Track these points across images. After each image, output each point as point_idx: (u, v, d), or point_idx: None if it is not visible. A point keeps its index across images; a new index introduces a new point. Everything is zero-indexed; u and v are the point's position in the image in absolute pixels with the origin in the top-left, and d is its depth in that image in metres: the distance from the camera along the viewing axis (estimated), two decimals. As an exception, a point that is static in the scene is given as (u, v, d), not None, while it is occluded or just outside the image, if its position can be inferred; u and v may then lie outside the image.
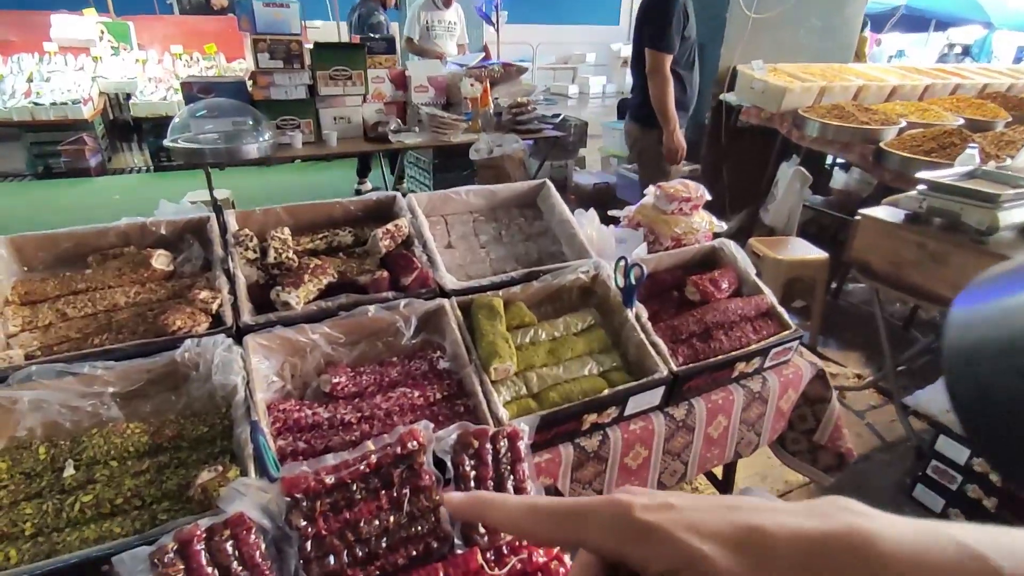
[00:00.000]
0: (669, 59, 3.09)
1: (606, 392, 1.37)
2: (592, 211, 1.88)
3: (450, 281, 1.49)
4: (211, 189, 3.67)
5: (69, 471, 1.06)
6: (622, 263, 1.56)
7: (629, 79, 3.68)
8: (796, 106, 3.86)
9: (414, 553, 1.09)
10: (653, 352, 1.47)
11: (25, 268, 1.35)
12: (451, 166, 5.05)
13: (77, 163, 6.29)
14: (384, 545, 1.07)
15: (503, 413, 1.28)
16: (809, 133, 3.67)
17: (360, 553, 1.05)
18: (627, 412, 1.44)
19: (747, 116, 4.22)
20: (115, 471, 1.07)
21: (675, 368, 1.46)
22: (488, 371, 1.33)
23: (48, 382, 1.09)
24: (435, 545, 1.12)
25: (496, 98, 4.36)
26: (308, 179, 6.66)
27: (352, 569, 1.03)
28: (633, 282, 1.52)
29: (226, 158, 3.35)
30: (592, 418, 1.39)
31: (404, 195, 1.66)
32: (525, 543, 1.15)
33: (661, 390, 1.45)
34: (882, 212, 2.47)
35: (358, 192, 6.12)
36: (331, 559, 1.02)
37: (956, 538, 0.29)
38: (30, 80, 6.53)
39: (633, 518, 0.34)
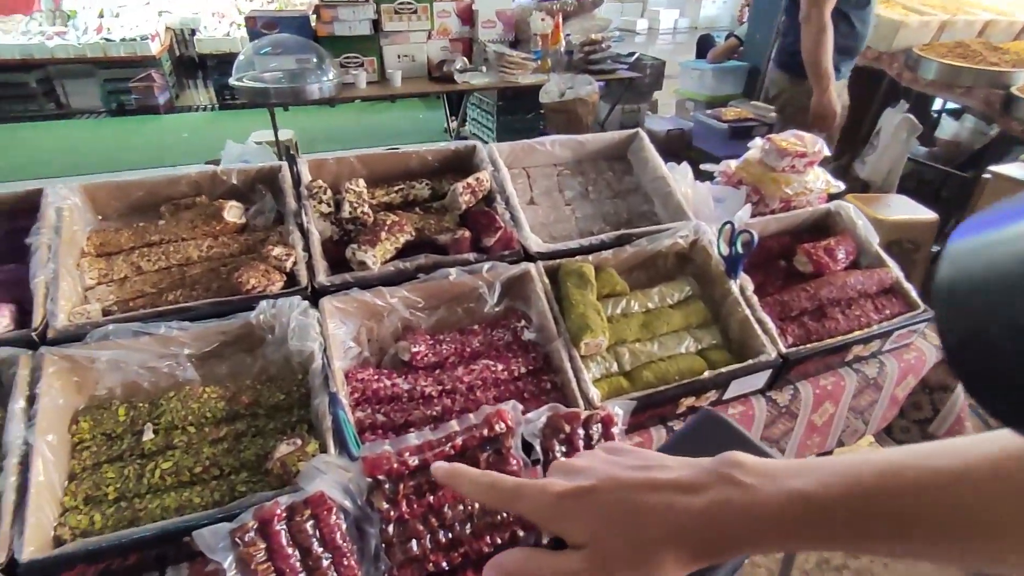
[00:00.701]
0: (831, 4, 2.47)
1: (707, 375, 1.23)
2: (686, 166, 1.68)
3: (535, 243, 1.36)
4: (275, 130, 3.62)
5: (148, 435, 1.02)
6: (727, 228, 1.38)
7: (705, 11, 3.29)
8: (910, 44, 3.41)
9: (499, 541, 1.01)
10: (760, 331, 1.31)
11: (99, 217, 1.31)
12: (516, 108, 4.81)
13: (147, 100, 6.39)
14: (468, 531, 1.00)
15: (594, 393, 1.17)
16: (924, 75, 3.24)
17: (443, 539, 0.98)
18: (726, 396, 1.31)
19: (849, 56, 3.77)
20: (193, 437, 1.03)
21: (784, 350, 1.30)
22: (578, 346, 1.21)
23: (125, 342, 1.04)
24: (521, 534, 1.04)
25: (568, 35, 4.06)
26: (370, 119, 6.55)
27: (435, 555, 0.97)
28: (740, 250, 1.35)
29: (290, 98, 3.27)
30: (689, 401, 1.26)
31: (485, 143, 1.52)
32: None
33: (767, 374, 1.30)
34: (1017, 170, 2.15)
35: (447, 131, 5.96)
36: (414, 544, 0.96)
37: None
38: (101, 16, 6.58)
39: (552, 503, 0.47)
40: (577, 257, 1.34)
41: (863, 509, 0.42)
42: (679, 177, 1.62)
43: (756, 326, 1.32)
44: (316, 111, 6.03)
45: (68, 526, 0.93)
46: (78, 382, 1.07)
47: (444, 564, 0.97)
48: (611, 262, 1.38)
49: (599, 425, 1.08)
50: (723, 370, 1.24)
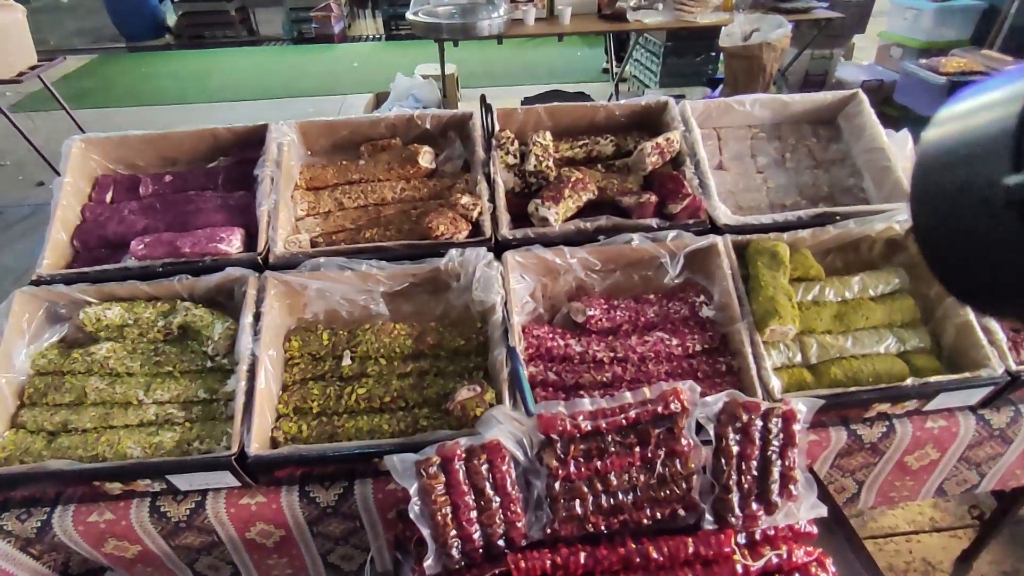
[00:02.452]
0: None
1: (912, 382, 1.10)
2: (906, 134, 1.45)
3: (724, 214, 1.26)
4: (442, 64, 3.69)
5: (347, 361, 1.13)
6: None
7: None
8: None
9: (659, 516, 1.01)
10: (984, 340, 1.13)
11: (308, 152, 1.42)
12: (684, 51, 4.45)
13: (324, 29, 6.79)
14: (630, 501, 1.00)
15: (775, 384, 1.09)
16: None
17: (606, 504, 1.00)
18: (928, 407, 1.16)
19: None
20: (384, 369, 1.13)
21: (1014, 368, 1.11)
22: (762, 331, 1.13)
23: (332, 274, 1.14)
24: (682, 514, 1.03)
25: (758, -33, 3.62)
26: (526, 55, 6.45)
27: (595, 517, 0.99)
28: (973, 245, 1.15)
29: (460, 33, 3.29)
30: (883, 407, 1.14)
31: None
32: (784, 534, 1.01)
33: (985, 390, 1.13)
34: None
35: (606, 71, 5.76)
36: (577, 504, 0.99)
37: None
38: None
39: None
40: (770, 234, 1.23)
41: None
42: (895, 148, 1.41)
43: (980, 334, 1.14)
44: (476, 46, 6.05)
45: (282, 431, 1.06)
46: (290, 304, 1.20)
47: (603, 527, 0.99)
48: (807, 242, 1.25)
49: (779, 420, 1.02)
50: (932, 380, 1.10)
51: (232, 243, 1.20)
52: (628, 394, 1.02)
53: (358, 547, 1.16)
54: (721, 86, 3.72)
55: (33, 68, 3.57)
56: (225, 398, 1.10)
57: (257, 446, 1.01)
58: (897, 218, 1.23)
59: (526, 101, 3.96)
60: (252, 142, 1.37)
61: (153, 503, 1.05)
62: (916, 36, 3.99)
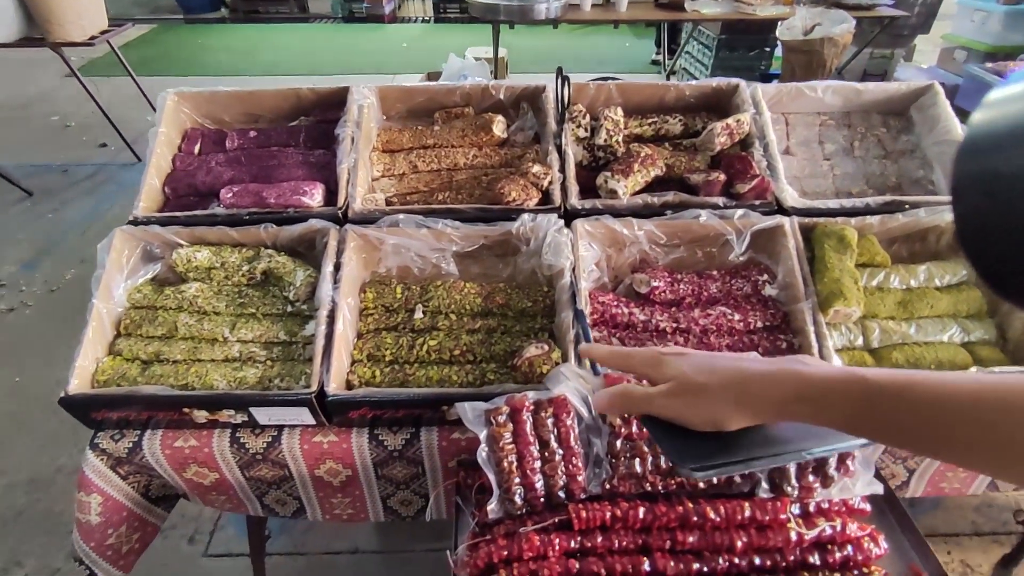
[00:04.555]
0: None
1: (974, 371, 1.10)
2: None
3: (791, 196, 1.28)
4: (496, 47, 3.72)
5: (418, 314, 1.18)
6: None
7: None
8: None
9: (714, 481, 1.04)
10: (1051, 335, 1.13)
11: (384, 116, 1.47)
12: (738, 44, 4.39)
13: (375, 9, 6.87)
14: (688, 466, 1.04)
15: (837, 363, 1.11)
16: None
17: (664, 465, 1.03)
18: (988, 398, 1.16)
19: None
20: (454, 324, 1.17)
21: (1084, 364, 1.11)
22: (827, 311, 1.14)
23: (409, 230, 1.19)
24: (737, 480, 1.06)
25: (822, -39, 3.55)
26: (573, 43, 6.44)
27: (653, 476, 1.02)
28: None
29: (517, 16, 3.31)
30: (943, 395, 1.14)
31: (748, 84, 1.42)
32: (837, 508, 1.03)
33: (1049, 385, 1.13)
34: None
35: (655, 63, 5.76)
36: (636, 462, 1.02)
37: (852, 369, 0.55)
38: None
39: (655, 357, 0.67)
40: (837, 219, 1.24)
41: (914, 401, 0.50)
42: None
43: (1048, 329, 1.14)
44: (525, 33, 6.06)
45: (356, 374, 1.12)
46: (365, 258, 1.25)
47: (660, 487, 1.03)
48: (874, 229, 1.26)
49: (842, 397, 1.03)
50: (997, 369, 1.10)
51: (314, 197, 1.26)
52: (692, 361, 1.05)
53: (417, 493, 1.22)
54: (776, 81, 3.66)
55: (103, 33, 3.70)
56: (303, 341, 1.16)
57: (335, 386, 1.07)
58: (969, 210, 1.23)
59: (576, 87, 3.97)
60: (332, 103, 1.42)
61: (233, 434, 1.12)
62: (983, 39, 3.87)
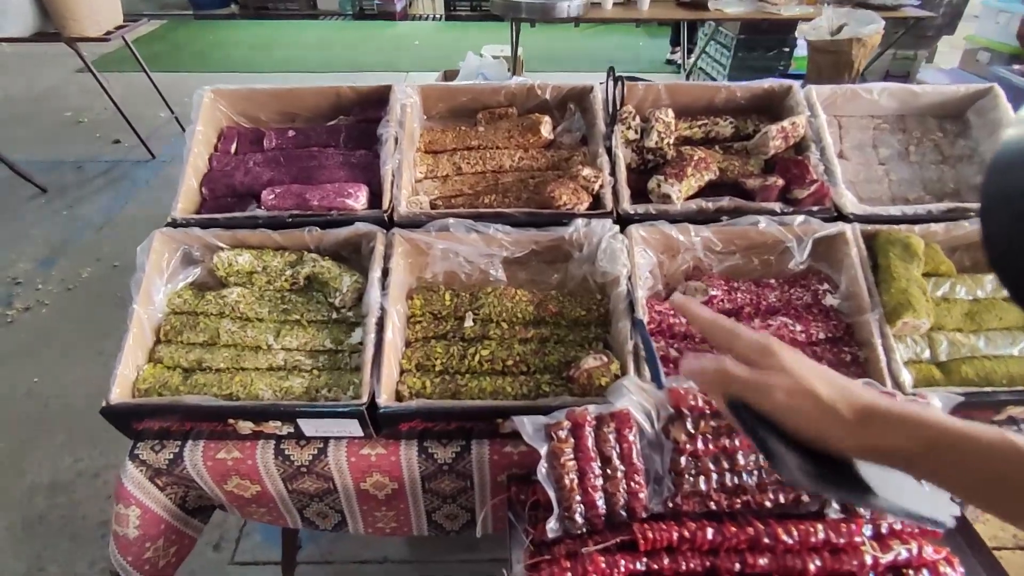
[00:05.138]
0: None
1: (1050, 387, 1.06)
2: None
3: (851, 203, 1.23)
4: (515, 45, 3.67)
5: (469, 323, 1.14)
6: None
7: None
8: None
9: (782, 500, 1.00)
10: None
11: (425, 116, 1.42)
12: (757, 44, 4.35)
13: (387, 6, 6.83)
14: (754, 483, 0.99)
15: (906, 378, 1.07)
16: None
17: (730, 483, 0.99)
18: (1061, 415, 1.12)
19: None
20: (506, 333, 1.13)
21: None
22: (894, 323, 1.10)
23: (459, 235, 1.15)
24: (806, 499, 1.01)
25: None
26: (584, 42, 6.38)
27: (718, 495, 0.98)
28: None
29: (539, 14, 3.27)
30: (1016, 411, 1.10)
31: (803, 86, 1.38)
32: (911, 531, 0.99)
33: None
34: None
35: (670, 62, 5.70)
36: (701, 480, 0.98)
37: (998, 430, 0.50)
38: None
39: (765, 345, 0.61)
40: (901, 226, 1.20)
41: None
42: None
43: (1123, 344, 1.09)
44: (538, 31, 6.01)
45: (406, 385, 1.08)
46: (411, 263, 1.21)
47: (725, 506, 0.98)
48: (938, 237, 1.21)
49: (916, 413, 0.99)
50: (1073, 386, 1.06)
51: (359, 199, 1.22)
52: (759, 375, 1.00)
53: (463, 507, 1.18)
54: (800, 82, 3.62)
55: (118, 28, 3.67)
56: (350, 349, 1.12)
57: (385, 398, 1.03)
58: (1038, 218, 1.18)
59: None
60: (373, 101, 1.38)
61: (278, 445, 1.08)
62: (1007, 41, 3.82)
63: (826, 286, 1.19)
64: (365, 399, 1.01)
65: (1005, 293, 1.18)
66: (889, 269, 1.14)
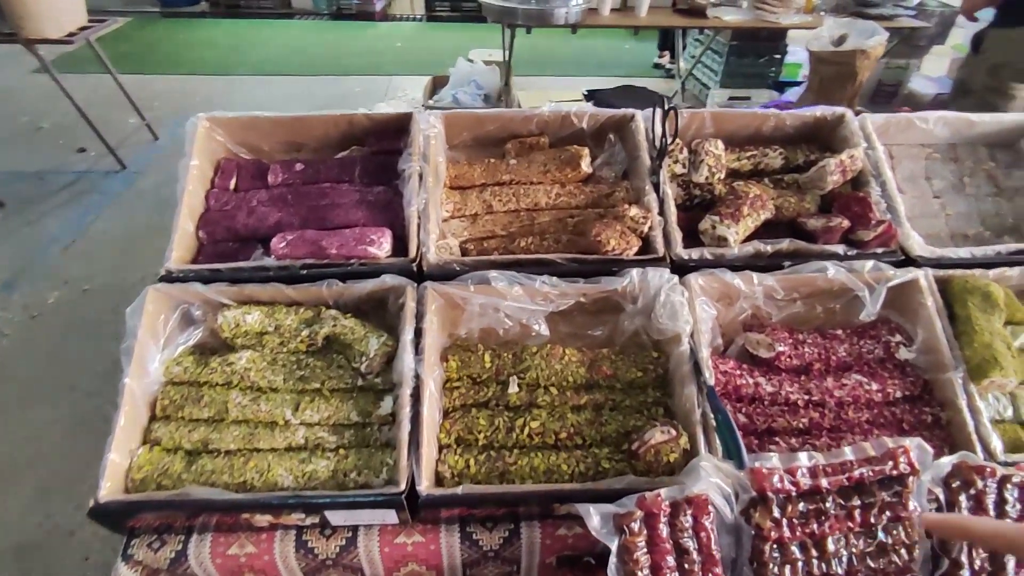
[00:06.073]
0: None
1: None
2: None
3: (918, 244, 1.14)
4: (510, 51, 3.55)
5: (514, 388, 1.01)
6: None
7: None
8: None
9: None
10: None
11: (446, 146, 1.29)
12: (748, 52, 4.29)
13: (366, 6, 6.61)
14: (843, 570, 0.89)
15: (997, 444, 0.98)
16: None
17: (818, 572, 0.89)
18: None
19: None
20: (556, 399, 1.01)
21: None
22: (979, 381, 1.01)
23: (501, 288, 1.02)
24: (898, 586, 0.92)
25: (844, -31, 3.46)
26: (570, 45, 6.26)
27: (804, 586, 0.88)
28: None
29: (535, 20, 3.13)
30: (1106, 475, 1.02)
31: (857, 113, 1.28)
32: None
33: None
34: None
35: (657, 66, 5.62)
36: (787, 569, 0.88)
37: None
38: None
39: None
40: (975, 271, 1.11)
41: None
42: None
43: None
44: (520, 34, 5.89)
45: (447, 464, 0.95)
46: (442, 320, 1.08)
47: (813, 599, 0.88)
48: (1012, 282, 1.13)
49: (1016, 488, 0.90)
50: None
51: (382, 246, 1.08)
52: (848, 449, 0.90)
53: (507, 592, 1.05)
54: (797, 88, 3.58)
55: (83, 30, 3.41)
56: (379, 422, 0.98)
57: (427, 484, 0.89)
58: (1115, 261, 1.11)
59: (589, 93, 3.81)
60: (390, 130, 1.24)
61: (299, 537, 0.94)
62: None
63: (899, 338, 1.09)
64: (403, 486, 0.88)
65: (1082, 342, 1.10)
66: (970, 321, 1.05)
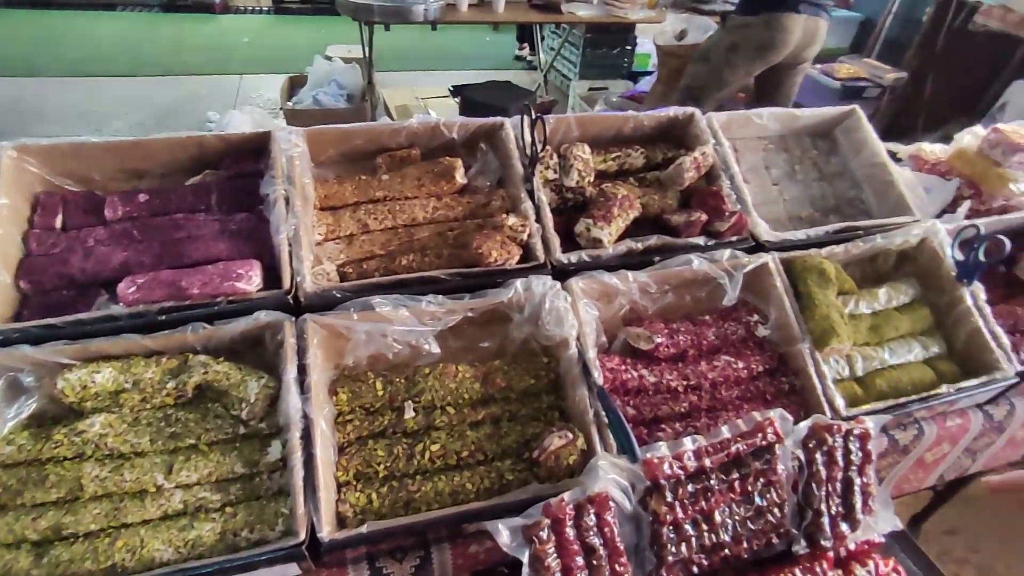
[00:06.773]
0: None
1: (946, 389, 1.18)
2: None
3: (765, 231, 1.27)
4: (370, 48, 3.42)
5: (410, 413, 0.99)
6: (970, 231, 1.29)
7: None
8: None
9: (755, 547, 1.00)
10: (993, 345, 1.24)
11: (312, 164, 1.21)
12: (602, 43, 4.52)
13: (203, -3, 6.04)
14: (730, 536, 0.98)
15: (840, 403, 1.12)
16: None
17: (708, 542, 0.97)
18: (950, 408, 1.26)
19: (986, 17, 3.49)
20: (453, 419, 1.00)
21: (1020, 367, 1.24)
22: (823, 350, 1.15)
23: (385, 312, 0.99)
24: (776, 542, 1.03)
25: (677, -33, 3.74)
26: (433, 38, 6.19)
27: (698, 556, 0.96)
28: (982, 257, 1.26)
29: (393, 17, 3.05)
30: (920, 413, 1.22)
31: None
32: (863, 548, 1.05)
33: (997, 390, 1.25)
34: None
35: (519, 59, 5.68)
36: (683, 547, 0.95)
37: None
38: None
39: None
40: (811, 251, 1.26)
41: None
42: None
43: (989, 339, 1.25)
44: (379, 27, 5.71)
45: (348, 503, 0.91)
46: (326, 351, 1.02)
47: (706, 565, 0.96)
48: (839, 257, 1.30)
49: (856, 439, 1.05)
50: (964, 385, 1.19)
51: (252, 280, 0.99)
52: (724, 428, 0.99)
53: (424, 617, 1.03)
54: (650, 78, 3.83)
55: None
56: (268, 470, 0.92)
57: (328, 529, 0.85)
58: (913, 232, 1.31)
59: (456, 90, 3.79)
60: (247, 152, 1.14)
61: (188, 609, 0.85)
62: (837, 42, 4.37)
63: (756, 317, 1.21)
64: (303, 535, 0.83)
65: (896, 303, 1.30)
66: (810, 296, 1.19)
